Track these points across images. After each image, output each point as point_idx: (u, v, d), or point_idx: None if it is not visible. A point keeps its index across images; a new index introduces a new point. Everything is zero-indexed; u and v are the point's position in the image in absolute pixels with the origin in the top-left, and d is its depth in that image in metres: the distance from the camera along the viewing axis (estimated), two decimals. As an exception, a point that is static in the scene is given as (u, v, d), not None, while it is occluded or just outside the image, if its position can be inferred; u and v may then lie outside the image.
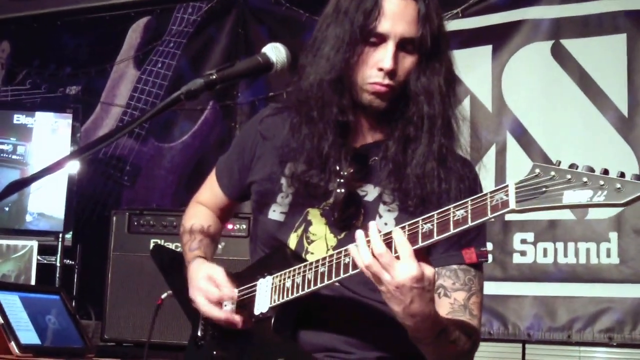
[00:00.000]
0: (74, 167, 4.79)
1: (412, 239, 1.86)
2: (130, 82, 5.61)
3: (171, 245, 3.47)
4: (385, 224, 2.15)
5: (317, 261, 2.04)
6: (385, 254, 1.84)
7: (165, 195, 5.26)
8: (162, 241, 3.87)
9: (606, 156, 4.18)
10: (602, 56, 4.29)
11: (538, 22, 4.45)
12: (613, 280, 4.11)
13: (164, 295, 2.91)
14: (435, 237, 1.83)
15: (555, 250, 4.23)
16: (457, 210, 1.81)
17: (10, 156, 4.90)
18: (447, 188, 2.10)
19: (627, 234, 4.11)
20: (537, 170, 1.70)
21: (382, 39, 2.09)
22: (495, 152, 4.39)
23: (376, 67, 2.09)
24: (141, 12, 5.69)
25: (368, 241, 1.88)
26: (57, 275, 4.71)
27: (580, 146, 4.26)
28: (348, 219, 2.17)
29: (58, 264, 4.74)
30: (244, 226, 3.90)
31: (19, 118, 4.96)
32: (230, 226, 3.90)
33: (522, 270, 4.30)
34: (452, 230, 1.80)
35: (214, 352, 2.26)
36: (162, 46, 5.55)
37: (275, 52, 2.06)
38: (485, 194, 1.77)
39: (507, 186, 1.73)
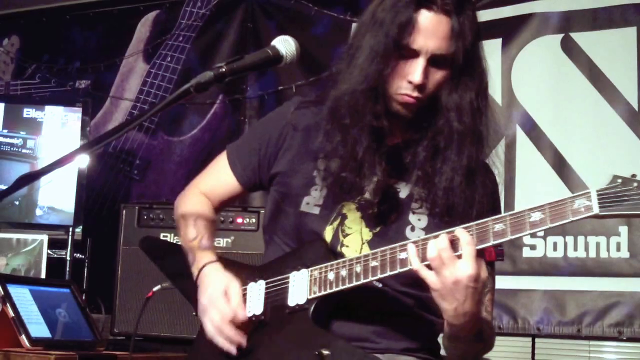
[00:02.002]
0: (83, 161, 4.80)
1: (482, 237, 1.93)
2: (140, 76, 5.61)
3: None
4: (419, 219, 2.22)
5: (367, 255, 2.07)
6: (448, 249, 1.92)
7: (175, 189, 5.23)
8: (172, 235, 3.87)
9: (616, 150, 4.18)
10: (612, 49, 4.27)
11: (548, 15, 4.44)
12: (623, 274, 4.10)
13: (155, 288, 2.88)
14: (509, 236, 1.91)
15: (565, 244, 4.22)
16: (532, 212, 1.90)
17: (20, 150, 4.91)
18: (472, 199, 2.17)
19: (637, 228, 4.10)
20: (619, 181, 1.87)
21: (414, 53, 2.11)
22: (504, 145, 4.38)
23: (406, 79, 2.12)
24: (150, 6, 5.70)
25: (424, 239, 1.97)
26: (67, 269, 4.73)
27: (590, 140, 4.25)
28: (383, 213, 2.22)
29: (68, 258, 4.76)
30: (254, 220, 3.90)
31: (29, 112, 4.97)
32: (239, 220, 3.90)
33: (532, 264, 4.29)
34: (528, 231, 1.90)
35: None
36: (171, 40, 5.55)
37: (285, 44, 2.07)
38: (565, 199, 1.88)
39: (588, 192, 1.87)
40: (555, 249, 4.24)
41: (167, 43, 5.57)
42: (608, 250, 4.14)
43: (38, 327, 3.46)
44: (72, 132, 4.90)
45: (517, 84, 4.47)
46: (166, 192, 5.23)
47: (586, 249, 4.18)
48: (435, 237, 1.96)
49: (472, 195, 2.17)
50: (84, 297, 3.99)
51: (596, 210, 1.85)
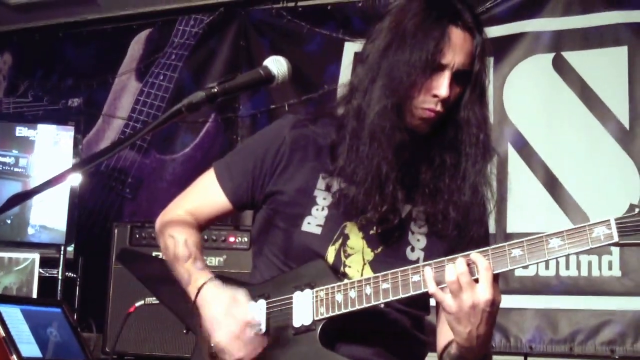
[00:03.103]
0: (75, 179, 4.79)
1: (500, 262, 1.96)
2: (132, 95, 5.61)
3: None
4: (418, 240, 2.24)
5: (377, 277, 2.08)
6: (467, 274, 1.94)
7: (167, 208, 5.25)
8: (164, 253, 3.86)
9: (607, 168, 4.19)
10: (603, 68, 4.30)
11: (539, 35, 4.46)
12: (615, 292, 4.10)
13: (138, 304, 2.83)
14: (527, 262, 1.94)
15: (557, 262, 4.23)
16: (550, 239, 1.93)
17: (12, 168, 4.91)
18: (475, 214, 2.21)
19: (628, 247, 4.10)
20: (637, 210, 1.91)
21: (441, 67, 2.13)
22: (496, 163, 4.38)
23: (431, 93, 2.14)
24: (143, 25, 5.70)
25: (438, 262, 1.99)
26: (59, 288, 4.71)
27: (582, 158, 4.27)
28: (384, 233, 2.22)
29: (60, 277, 4.74)
30: (246, 239, 3.90)
31: (21, 130, 4.97)
32: (232, 238, 3.90)
33: (524, 282, 4.29)
34: (547, 257, 1.93)
35: None
36: (163, 58, 5.56)
37: (277, 64, 2.07)
38: (583, 226, 1.92)
39: (608, 221, 1.90)
40: (547, 267, 4.25)
41: (160, 61, 5.57)
42: (600, 268, 4.14)
43: (29, 347, 3.45)
44: (65, 151, 4.89)
45: (509, 103, 4.49)
46: (158, 210, 5.17)
47: (578, 267, 4.18)
48: (452, 260, 1.97)
49: (476, 210, 2.21)
50: (75, 317, 3.98)
51: (616, 238, 1.89)
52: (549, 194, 4.30)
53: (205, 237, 3.86)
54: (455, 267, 1.94)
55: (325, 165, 2.26)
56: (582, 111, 4.30)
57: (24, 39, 6.03)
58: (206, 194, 2.41)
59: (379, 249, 2.22)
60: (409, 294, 2.03)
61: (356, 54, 4.92)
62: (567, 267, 4.20)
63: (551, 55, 4.42)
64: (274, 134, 2.35)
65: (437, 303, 2.03)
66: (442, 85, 2.12)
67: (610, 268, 4.12)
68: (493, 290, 1.94)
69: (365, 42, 2.28)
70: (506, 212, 4.34)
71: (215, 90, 1.95)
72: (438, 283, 1.97)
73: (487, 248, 1.97)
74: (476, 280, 1.94)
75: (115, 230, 4.10)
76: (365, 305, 2.07)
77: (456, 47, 2.14)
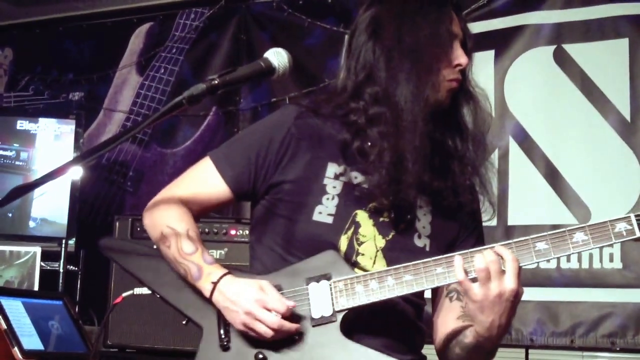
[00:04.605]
0: (77, 173, 4.79)
1: (525, 255, 2.03)
2: (133, 88, 5.62)
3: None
4: (424, 227, 2.27)
5: (398, 268, 2.10)
6: (497, 262, 1.99)
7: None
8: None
9: (608, 160, 4.19)
10: (604, 61, 4.29)
11: (540, 27, 4.46)
12: (616, 285, 4.10)
13: (125, 294, 2.72)
14: (553, 255, 2.03)
15: (558, 255, 4.22)
16: (573, 233, 2.02)
17: (13, 162, 4.91)
18: (476, 203, 2.31)
19: (629, 238, 4.10)
20: None
21: (454, 38, 2.26)
22: (497, 156, 4.39)
23: (453, 64, 2.24)
24: (144, 18, 5.70)
25: (465, 253, 2.04)
26: (60, 281, 4.71)
27: (583, 150, 4.26)
28: (394, 220, 2.24)
29: (61, 270, 4.75)
30: (247, 232, 3.90)
31: (22, 124, 4.97)
32: (233, 231, 3.90)
33: (525, 275, 4.22)
34: (572, 251, 2.02)
35: (260, 356, 2.15)
36: (164, 52, 5.56)
37: (277, 57, 2.07)
38: (605, 222, 2.01)
39: (629, 217, 1.99)
40: (548, 260, 4.24)
41: (161, 55, 5.57)
42: (601, 261, 4.14)
43: (30, 340, 3.45)
44: (66, 144, 4.90)
45: (510, 96, 4.48)
46: (159, 203, 5.21)
47: (579, 260, 4.18)
48: (479, 251, 2.02)
49: (477, 199, 2.29)
50: (76, 310, 3.98)
51: (638, 234, 1.99)
52: (550, 187, 4.30)
53: (207, 230, 3.86)
54: (484, 256, 1.99)
55: (332, 153, 2.25)
56: (583, 103, 4.29)
57: (25, 34, 6.03)
58: (204, 182, 2.32)
59: (390, 235, 2.23)
60: (433, 286, 2.08)
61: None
62: (568, 260, 4.19)
63: (552, 47, 4.41)
64: (278, 124, 2.32)
65: (463, 291, 2.07)
66: (460, 54, 2.24)
67: (611, 260, 4.12)
68: (518, 281, 2.00)
69: (355, 31, 2.32)
70: (507, 204, 4.34)
71: (216, 82, 1.96)
72: (466, 272, 2.02)
73: (510, 241, 2.03)
74: (504, 272, 1.99)
75: (117, 224, 4.10)
76: (388, 296, 2.10)
77: (455, 20, 2.28)
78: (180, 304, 2.29)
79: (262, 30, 5.28)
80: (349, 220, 2.23)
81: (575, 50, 4.36)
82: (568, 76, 4.36)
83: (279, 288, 2.17)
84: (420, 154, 2.14)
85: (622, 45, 4.25)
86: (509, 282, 1.98)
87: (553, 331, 4.20)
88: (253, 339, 2.14)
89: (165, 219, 2.28)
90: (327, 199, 2.24)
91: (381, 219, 2.23)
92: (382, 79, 2.22)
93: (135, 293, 2.61)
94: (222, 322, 2.20)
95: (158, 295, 2.34)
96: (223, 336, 2.18)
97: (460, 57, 2.23)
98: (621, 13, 4.26)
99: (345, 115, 2.27)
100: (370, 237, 2.23)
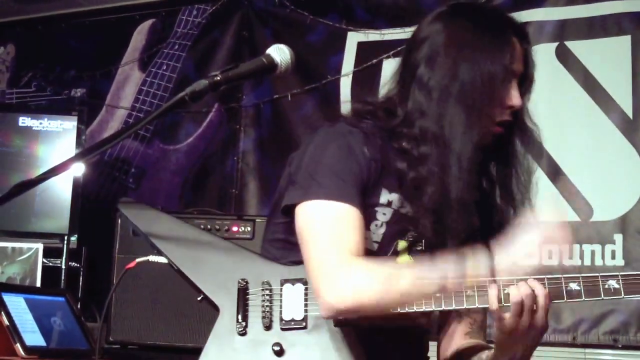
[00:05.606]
0: (79, 169, 4.79)
1: (556, 293, 1.99)
2: (135, 85, 5.62)
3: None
4: None
5: None
6: (531, 297, 1.96)
7: (171, 198, 5.26)
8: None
9: (611, 158, 4.19)
10: (607, 58, 4.29)
11: (542, 24, 4.45)
12: (618, 282, 4.10)
13: (139, 259, 2.56)
14: (583, 298, 1.97)
15: (561, 252, 4.22)
16: (607, 280, 1.97)
17: (15, 159, 4.91)
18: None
19: (632, 235, 4.10)
20: None
21: (513, 76, 2.16)
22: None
23: (505, 105, 2.15)
24: (146, 15, 5.70)
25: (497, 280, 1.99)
26: (62, 277, 4.71)
27: (585, 148, 4.26)
28: (429, 251, 2.17)
29: (63, 267, 4.75)
30: (249, 228, 3.89)
31: (25, 120, 4.97)
32: (235, 228, 3.90)
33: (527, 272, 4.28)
34: (602, 297, 1.97)
35: (276, 348, 2.13)
36: (167, 48, 5.56)
37: (280, 53, 2.07)
38: (639, 273, 1.97)
39: None
40: (550, 256, 4.24)
41: (163, 51, 5.57)
42: (603, 258, 4.14)
43: (33, 336, 3.45)
44: (68, 141, 4.89)
45: (512, 92, 4.48)
46: (161, 200, 5.21)
47: (581, 256, 4.18)
48: (512, 282, 1.98)
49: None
50: (79, 306, 3.98)
51: None
52: (552, 184, 4.29)
53: (208, 226, 3.85)
54: (519, 289, 1.96)
55: (387, 180, 2.18)
56: (585, 100, 4.29)
57: (27, 30, 6.03)
58: (357, 228, 2.11)
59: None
60: (462, 307, 2.02)
61: (360, 43, 4.94)
62: (571, 257, 4.19)
63: (554, 44, 4.41)
64: (356, 147, 2.16)
65: (495, 319, 2.01)
66: (515, 95, 2.15)
67: (613, 257, 4.12)
68: (547, 319, 1.99)
69: (414, 42, 2.21)
70: (509, 201, 4.34)
71: (218, 78, 1.95)
72: (499, 301, 1.99)
73: (544, 277, 2.00)
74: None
75: (119, 220, 4.09)
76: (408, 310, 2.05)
77: (521, 57, 2.19)
78: (198, 280, 2.24)
79: (264, 27, 5.28)
80: (391, 250, 2.20)
81: (578, 47, 4.36)
82: (570, 73, 4.35)
83: (245, 281, 2.17)
84: (466, 203, 2.09)
85: (624, 43, 4.25)
86: (541, 318, 1.97)
87: (555, 328, 4.19)
88: (279, 328, 2.13)
89: (362, 279, 2.04)
90: (376, 225, 2.18)
91: (417, 249, 2.21)
92: (433, 113, 2.12)
93: (150, 260, 2.52)
94: (243, 305, 2.18)
95: (175, 267, 2.30)
96: (241, 320, 2.16)
97: (514, 99, 2.14)
98: (624, 10, 4.26)
99: (397, 140, 2.19)
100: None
